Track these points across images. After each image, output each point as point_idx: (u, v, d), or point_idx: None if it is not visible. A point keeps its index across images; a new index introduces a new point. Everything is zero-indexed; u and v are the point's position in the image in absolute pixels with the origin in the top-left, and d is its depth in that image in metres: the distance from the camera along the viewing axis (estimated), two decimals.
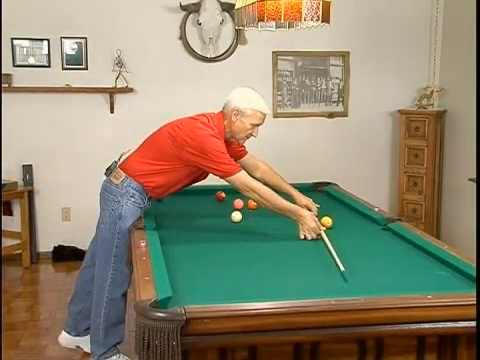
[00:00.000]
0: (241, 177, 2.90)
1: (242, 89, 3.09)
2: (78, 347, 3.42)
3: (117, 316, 3.10)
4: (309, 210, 3.04)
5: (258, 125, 3.06)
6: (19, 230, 4.97)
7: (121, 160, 3.15)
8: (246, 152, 3.33)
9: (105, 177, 3.14)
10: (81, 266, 3.40)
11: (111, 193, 3.05)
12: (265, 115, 3.06)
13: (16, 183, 4.93)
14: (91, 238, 3.31)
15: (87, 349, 3.32)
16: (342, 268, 2.35)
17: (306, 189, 3.70)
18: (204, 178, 3.18)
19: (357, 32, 5.36)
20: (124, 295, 3.11)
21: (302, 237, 2.82)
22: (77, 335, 3.39)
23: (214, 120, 3.02)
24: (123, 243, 2.97)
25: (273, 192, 2.96)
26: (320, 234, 2.79)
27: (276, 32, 3.31)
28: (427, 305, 1.94)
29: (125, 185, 3.03)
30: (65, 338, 3.42)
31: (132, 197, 3.02)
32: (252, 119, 3.01)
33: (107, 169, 3.14)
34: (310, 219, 2.84)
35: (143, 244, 2.57)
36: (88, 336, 3.30)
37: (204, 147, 2.87)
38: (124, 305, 3.14)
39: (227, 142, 3.06)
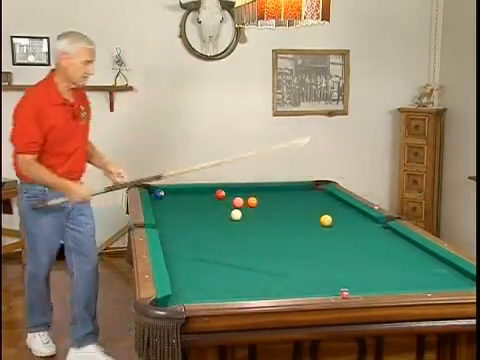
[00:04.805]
0: (26, 159, 3.13)
1: (62, 33, 3.12)
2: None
3: None
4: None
5: (90, 61, 3.13)
6: (19, 228, 4.96)
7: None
8: None
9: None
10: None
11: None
12: (91, 48, 3.13)
13: (16, 181, 4.90)
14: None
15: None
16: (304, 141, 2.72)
17: (306, 188, 3.71)
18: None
19: (357, 30, 5.35)
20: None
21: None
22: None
23: (44, 82, 3.15)
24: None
25: (46, 172, 3.10)
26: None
27: (276, 30, 3.30)
28: (427, 303, 1.94)
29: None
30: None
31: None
32: (81, 56, 3.07)
33: None
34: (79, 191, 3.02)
35: (141, 239, 2.57)
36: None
37: (16, 113, 3.10)
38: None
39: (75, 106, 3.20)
